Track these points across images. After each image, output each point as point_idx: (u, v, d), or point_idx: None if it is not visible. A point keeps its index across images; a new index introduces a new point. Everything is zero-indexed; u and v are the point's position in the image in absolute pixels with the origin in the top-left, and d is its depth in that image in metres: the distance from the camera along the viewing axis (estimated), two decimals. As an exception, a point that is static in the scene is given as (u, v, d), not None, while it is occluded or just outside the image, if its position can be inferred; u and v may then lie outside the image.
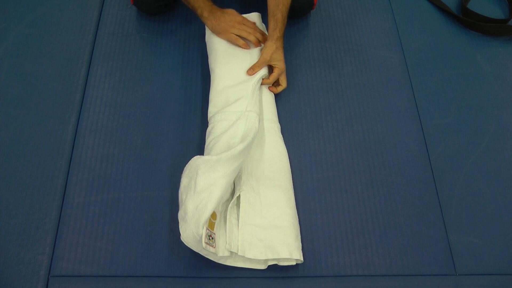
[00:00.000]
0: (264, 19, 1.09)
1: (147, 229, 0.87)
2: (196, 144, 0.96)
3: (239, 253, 0.79)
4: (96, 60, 1.08)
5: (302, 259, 0.82)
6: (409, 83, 1.13)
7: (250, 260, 0.82)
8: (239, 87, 0.95)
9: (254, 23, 1.05)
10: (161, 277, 0.83)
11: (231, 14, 1.02)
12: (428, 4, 1.31)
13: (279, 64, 1.00)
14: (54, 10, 1.16)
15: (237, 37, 1.00)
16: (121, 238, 0.86)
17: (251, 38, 1.01)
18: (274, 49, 0.99)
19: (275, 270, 0.83)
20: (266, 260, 0.82)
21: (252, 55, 1.00)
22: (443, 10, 1.29)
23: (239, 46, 1.00)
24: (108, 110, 1.01)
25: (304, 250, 0.87)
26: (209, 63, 1.03)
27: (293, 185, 0.93)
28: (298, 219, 0.88)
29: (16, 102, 1.00)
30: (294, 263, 0.82)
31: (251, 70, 0.97)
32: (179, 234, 0.87)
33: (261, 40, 1.02)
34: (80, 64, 1.07)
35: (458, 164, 1.02)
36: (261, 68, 0.98)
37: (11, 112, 0.99)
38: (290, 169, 0.93)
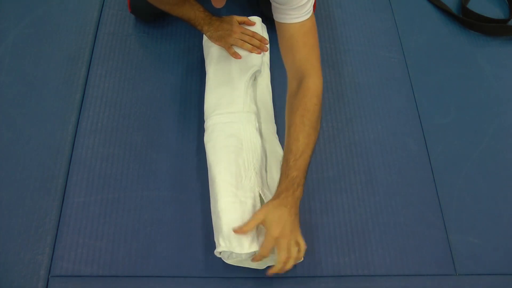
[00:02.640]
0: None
1: (147, 229, 0.87)
2: (196, 144, 0.96)
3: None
4: (96, 60, 1.08)
5: (302, 257, 0.82)
6: (409, 83, 1.13)
7: (249, 260, 0.82)
8: (232, 85, 0.96)
9: (253, 30, 1.05)
10: (161, 277, 0.83)
11: (228, 22, 1.02)
12: (428, 4, 1.31)
13: (272, 229, 0.73)
14: (54, 10, 1.16)
15: (231, 46, 1.01)
16: (121, 238, 0.86)
17: (246, 47, 1.01)
18: (270, 208, 0.74)
19: (275, 270, 0.83)
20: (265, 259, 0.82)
21: (245, 57, 1.01)
22: (443, 10, 1.29)
23: (231, 55, 1.00)
24: (108, 110, 1.01)
25: (304, 250, 0.87)
26: (205, 65, 1.04)
27: (293, 185, 0.93)
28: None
29: (16, 102, 1.00)
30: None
31: (239, 230, 0.76)
32: (179, 234, 0.87)
33: (259, 46, 1.02)
34: (80, 64, 1.07)
35: (458, 164, 1.02)
36: (250, 229, 0.76)
37: (11, 112, 0.99)
38: None
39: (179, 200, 0.90)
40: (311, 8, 0.83)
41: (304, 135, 0.77)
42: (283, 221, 0.73)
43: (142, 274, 0.83)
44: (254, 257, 0.76)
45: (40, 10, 1.15)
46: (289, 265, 0.75)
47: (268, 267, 0.83)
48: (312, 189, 0.95)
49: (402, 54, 1.18)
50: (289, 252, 0.73)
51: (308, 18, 0.82)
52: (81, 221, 0.87)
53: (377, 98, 1.09)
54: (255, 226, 0.76)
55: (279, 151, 0.94)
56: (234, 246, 0.77)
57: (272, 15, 0.87)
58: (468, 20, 1.25)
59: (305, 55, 0.83)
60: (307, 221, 0.90)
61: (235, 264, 0.82)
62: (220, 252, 0.80)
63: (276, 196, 0.76)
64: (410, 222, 0.93)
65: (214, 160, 0.87)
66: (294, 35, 0.83)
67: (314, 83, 0.81)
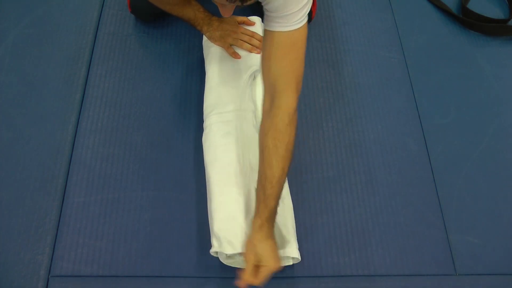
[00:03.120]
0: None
1: (147, 229, 0.87)
2: (196, 144, 0.96)
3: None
4: (96, 60, 1.08)
5: (299, 258, 0.82)
6: (409, 83, 1.13)
7: None
8: (231, 84, 0.96)
9: (253, 29, 1.05)
10: (161, 277, 0.83)
11: (228, 22, 1.02)
12: (428, 4, 1.31)
13: (270, 263, 0.72)
14: (54, 10, 1.16)
15: (230, 46, 1.01)
16: (121, 238, 0.86)
17: (245, 47, 1.01)
18: (258, 245, 0.73)
19: (275, 270, 0.83)
20: None
21: (245, 57, 1.01)
22: (443, 10, 1.29)
23: (230, 55, 1.00)
24: (108, 110, 1.01)
25: (304, 250, 0.87)
26: (205, 65, 1.04)
27: (294, 185, 0.93)
28: (294, 220, 0.87)
29: (16, 102, 1.00)
30: (291, 263, 0.82)
31: (242, 283, 0.73)
32: (179, 234, 0.87)
33: (258, 46, 1.02)
34: (80, 64, 1.07)
35: (458, 164, 1.02)
36: (249, 280, 0.73)
37: (11, 112, 0.99)
38: None
39: (179, 200, 0.90)
40: (304, 19, 0.74)
41: (278, 159, 0.73)
42: (275, 253, 0.74)
43: (142, 274, 0.83)
44: (239, 284, 0.73)
45: (40, 10, 1.15)
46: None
47: None
48: (312, 189, 0.95)
49: (402, 54, 1.18)
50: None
51: (296, 29, 0.74)
52: (81, 221, 0.87)
53: (377, 98, 1.09)
54: (253, 270, 0.73)
55: None
56: (225, 246, 0.77)
57: None
58: (468, 20, 1.25)
59: (282, 69, 0.75)
60: (307, 221, 0.90)
61: (233, 266, 0.82)
62: (217, 252, 0.80)
63: (259, 228, 0.73)
64: (410, 222, 0.93)
65: (210, 159, 0.88)
66: (275, 44, 0.75)
67: (286, 101, 0.75)
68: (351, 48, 1.17)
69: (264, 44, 0.78)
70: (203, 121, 0.96)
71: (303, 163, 0.97)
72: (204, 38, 1.06)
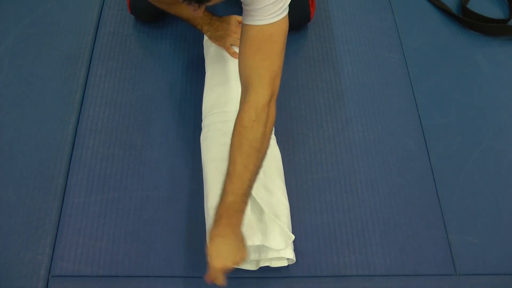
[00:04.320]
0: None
1: (147, 229, 0.87)
2: (196, 144, 0.96)
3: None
4: (96, 60, 1.08)
5: (294, 259, 0.82)
6: (409, 83, 1.13)
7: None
8: (230, 84, 0.96)
9: None
10: (161, 277, 0.83)
11: (228, 22, 1.02)
12: (428, 4, 1.31)
13: (213, 263, 0.69)
14: (54, 10, 1.16)
15: (230, 46, 1.01)
16: (121, 238, 0.86)
17: None
18: (209, 241, 0.71)
19: (275, 270, 0.83)
20: (258, 261, 0.82)
21: None
22: (443, 10, 1.29)
23: (230, 55, 1.00)
24: (108, 110, 1.01)
25: (304, 250, 0.87)
26: (205, 65, 1.04)
27: (294, 185, 0.93)
28: (291, 220, 0.87)
29: (16, 102, 1.00)
30: (286, 264, 0.82)
31: (207, 278, 0.72)
32: (179, 234, 0.87)
33: None
34: (80, 64, 1.07)
35: (458, 164, 1.02)
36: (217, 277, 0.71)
37: (11, 112, 0.99)
38: (283, 172, 0.93)
39: (179, 200, 0.90)
40: (281, 12, 0.71)
41: (242, 156, 0.70)
42: (220, 252, 0.69)
43: (142, 274, 0.83)
44: (206, 277, 0.72)
45: (40, 10, 1.15)
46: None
47: (268, 267, 0.83)
48: (312, 189, 0.95)
49: (402, 54, 1.18)
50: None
51: (271, 23, 0.70)
52: (81, 221, 0.87)
53: (377, 98, 1.09)
54: (216, 272, 0.70)
55: (276, 151, 0.94)
56: None
57: None
58: (468, 20, 1.25)
59: (254, 64, 0.72)
60: (307, 221, 0.90)
61: None
62: None
63: (214, 224, 0.71)
64: (410, 222, 0.93)
65: (208, 159, 0.88)
66: (248, 39, 0.72)
67: (255, 97, 0.71)
68: (351, 48, 1.17)
69: (240, 38, 0.75)
70: (201, 121, 0.96)
71: (303, 163, 0.97)
72: (205, 37, 1.06)
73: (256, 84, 0.72)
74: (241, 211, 0.71)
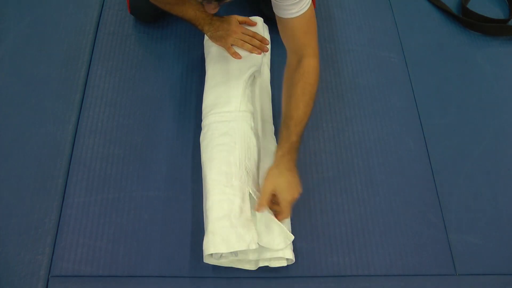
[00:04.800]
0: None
1: (147, 229, 0.87)
2: (196, 144, 0.96)
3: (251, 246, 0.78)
4: (96, 60, 1.08)
5: (293, 259, 0.82)
6: (409, 83, 1.13)
7: (240, 261, 0.82)
8: (230, 84, 0.96)
9: (254, 30, 1.05)
10: (161, 277, 0.83)
11: (229, 22, 1.02)
12: (428, 4, 1.31)
13: (285, 195, 0.79)
14: (54, 10, 1.16)
15: (231, 46, 1.01)
16: (121, 238, 0.86)
17: (246, 47, 1.01)
18: (277, 175, 0.79)
19: (274, 270, 0.83)
20: (257, 261, 0.82)
21: (245, 57, 1.00)
22: (443, 10, 1.29)
23: (231, 55, 1.00)
24: (108, 110, 1.01)
25: (304, 250, 0.87)
26: (205, 64, 1.04)
27: (293, 185, 0.93)
28: (291, 221, 0.87)
29: (16, 102, 1.00)
30: (285, 264, 0.82)
31: (258, 207, 0.80)
32: (179, 234, 0.87)
33: (259, 47, 1.02)
34: (80, 64, 1.07)
35: (458, 164, 1.02)
36: (265, 205, 0.79)
37: (11, 112, 0.99)
38: None
39: (179, 200, 0.90)
40: (309, 1, 0.84)
41: (304, 104, 0.83)
42: (292, 185, 0.80)
43: (142, 274, 0.83)
44: (257, 208, 0.80)
45: (40, 10, 1.15)
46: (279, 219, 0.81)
47: (268, 267, 0.83)
48: (312, 189, 0.95)
49: (402, 54, 1.18)
50: (288, 211, 0.81)
51: (306, 11, 0.84)
52: (81, 221, 0.87)
53: (377, 98, 1.09)
54: (269, 197, 0.79)
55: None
56: (218, 245, 0.77)
57: (273, 15, 0.88)
58: (468, 20, 1.25)
59: (306, 41, 0.87)
60: (307, 221, 0.90)
61: (227, 265, 0.82)
62: (212, 255, 0.80)
63: (279, 160, 0.81)
64: (410, 222, 0.93)
65: (207, 158, 0.88)
66: (294, 28, 0.86)
67: (314, 62, 0.87)
68: (351, 48, 1.17)
69: (281, 28, 0.89)
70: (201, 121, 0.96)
71: (303, 163, 0.97)
72: (205, 37, 1.06)
73: (312, 55, 0.87)
74: (298, 150, 0.84)
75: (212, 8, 0.80)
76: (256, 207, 0.81)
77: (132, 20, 1.15)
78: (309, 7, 0.85)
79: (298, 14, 0.84)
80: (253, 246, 0.77)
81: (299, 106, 0.83)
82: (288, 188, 0.79)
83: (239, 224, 0.79)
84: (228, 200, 0.81)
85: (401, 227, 0.92)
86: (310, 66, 0.86)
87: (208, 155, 0.88)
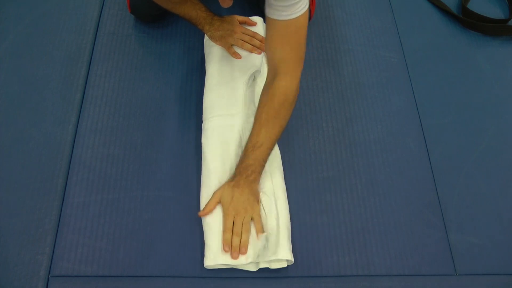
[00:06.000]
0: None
1: (147, 229, 0.87)
2: (196, 144, 0.96)
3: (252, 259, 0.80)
4: (96, 60, 1.08)
5: (293, 259, 0.82)
6: (409, 83, 1.13)
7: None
8: (231, 84, 0.96)
9: (254, 30, 1.05)
10: (161, 277, 0.83)
11: (229, 22, 1.02)
12: (428, 4, 1.31)
13: (226, 207, 0.81)
14: (54, 10, 1.16)
15: (231, 46, 1.01)
16: (121, 238, 0.86)
17: (246, 47, 1.01)
18: (225, 188, 0.81)
19: (274, 271, 0.83)
20: (257, 263, 0.82)
21: (245, 57, 1.01)
22: (443, 10, 1.29)
23: (231, 55, 1.00)
24: (108, 110, 1.01)
25: (304, 250, 0.87)
26: (205, 65, 1.04)
27: (294, 185, 0.93)
28: (290, 221, 0.87)
29: (16, 102, 1.00)
30: (285, 265, 0.82)
31: (201, 212, 0.83)
32: (179, 234, 0.87)
33: (259, 47, 1.02)
34: (80, 64, 1.07)
35: (458, 164, 1.02)
36: (211, 209, 0.82)
37: (11, 112, 0.99)
38: (283, 171, 0.93)
39: (179, 200, 0.90)
40: (305, 5, 0.80)
41: (266, 130, 0.82)
42: (235, 200, 0.80)
43: (142, 274, 0.83)
44: (200, 213, 0.82)
45: (40, 10, 1.15)
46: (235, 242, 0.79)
47: (261, 269, 0.83)
48: (312, 189, 0.95)
49: (402, 54, 1.18)
50: (236, 227, 0.79)
51: (296, 17, 0.79)
52: (81, 221, 0.87)
53: (377, 98, 1.09)
54: (215, 205, 0.81)
55: (276, 151, 0.94)
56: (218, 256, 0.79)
57: None
58: (468, 20, 1.25)
59: (284, 55, 0.83)
60: (307, 221, 0.90)
61: (226, 267, 0.82)
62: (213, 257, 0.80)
63: (231, 179, 0.83)
64: (410, 222, 0.93)
65: (211, 167, 0.88)
66: (277, 33, 0.82)
67: (285, 84, 0.83)
68: (351, 48, 1.17)
69: (268, 30, 0.84)
70: (202, 121, 0.96)
71: (303, 163, 0.97)
72: (206, 37, 1.06)
73: (287, 73, 0.83)
74: (258, 172, 0.82)
75: (228, 1, 0.76)
76: (199, 212, 0.83)
77: (132, 20, 1.15)
78: (300, 16, 0.79)
79: (285, 18, 0.79)
80: (250, 260, 0.80)
81: (261, 132, 0.82)
82: (231, 202, 0.80)
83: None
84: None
85: (401, 227, 0.92)
86: (280, 87, 0.83)
87: (213, 164, 0.88)
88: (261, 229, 0.81)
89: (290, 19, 0.79)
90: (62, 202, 0.89)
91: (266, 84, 0.87)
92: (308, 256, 0.87)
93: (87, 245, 0.85)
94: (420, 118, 1.08)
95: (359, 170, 0.98)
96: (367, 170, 0.98)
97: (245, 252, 0.79)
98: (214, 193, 0.83)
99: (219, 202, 0.82)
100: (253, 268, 0.83)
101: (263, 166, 0.83)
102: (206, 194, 0.85)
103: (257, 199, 0.83)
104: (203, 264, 0.81)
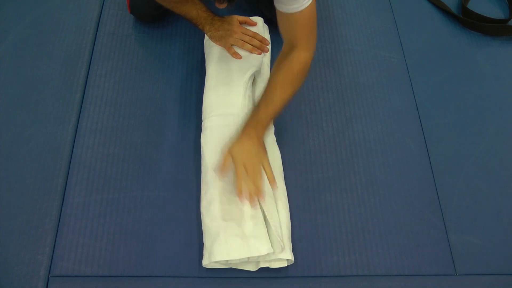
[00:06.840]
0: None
1: (147, 229, 0.87)
2: (196, 144, 0.96)
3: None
4: (96, 60, 1.08)
5: (293, 259, 0.82)
6: (409, 83, 1.13)
7: (240, 262, 0.82)
8: (231, 84, 0.96)
9: (254, 30, 1.05)
10: (161, 277, 0.83)
11: (230, 22, 1.02)
12: (428, 4, 1.31)
13: (238, 157, 0.79)
14: (54, 10, 1.16)
15: (231, 46, 1.01)
16: (121, 238, 0.86)
17: (246, 47, 1.01)
18: (235, 141, 0.81)
19: (275, 270, 0.83)
20: (257, 262, 0.82)
21: (246, 57, 1.01)
22: (443, 10, 1.29)
23: (231, 55, 1.00)
24: (108, 110, 1.01)
25: (304, 250, 0.87)
26: (205, 65, 1.04)
27: (294, 185, 0.93)
28: (290, 221, 0.87)
29: (16, 102, 1.01)
30: (285, 264, 0.82)
31: (218, 172, 0.82)
32: (179, 234, 0.87)
33: (259, 47, 1.02)
34: (80, 64, 1.07)
35: (458, 164, 1.02)
36: (227, 167, 0.81)
37: (11, 112, 0.99)
38: (283, 172, 0.93)
39: (179, 200, 0.91)
40: None
41: (282, 89, 0.84)
42: (247, 149, 0.80)
43: (142, 274, 0.83)
44: (218, 171, 0.81)
45: (40, 10, 1.15)
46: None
47: (261, 268, 0.83)
48: (312, 189, 0.95)
49: (402, 54, 1.18)
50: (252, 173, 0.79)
51: (307, 6, 0.83)
52: (81, 221, 0.87)
53: (377, 98, 1.09)
54: (228, 162, 0.80)
55: (276, 152, 0.94)
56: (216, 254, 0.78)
57: (272, 15, 0.88)
58: (468, 20, 1.25)
59: (302, 35, 0.87)
60: (307, 221, 0.90)
61: (225, 266, 0.82)
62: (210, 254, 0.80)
63: (241, 131, 0.82)
64: (410, 222, 0.93)
65: (210, 165, 0.87)
66: (292, 22, 0.86)
67: (305, 55, 0.87)
68: (351, 48, 1.17)
69: (280, 21, 0.87)
70: (201, 121, 0.96)
71: (303, 163, 0.97)
72: (206, 37, 1.06)
73: (303, 49, 0.87)
74: (267, 128, 0.85)
75: (222, 5, 0.78)
76: (217, 172, 0.82)
77: (132, 20, 1.15)
78: (310, 3, 0.83)
79: (298, 10, 0.83)
80: (264, 252, 0.78)
81: (276, 88, 0.84)
82: (242, 151, 0.80)
83: (240, 230, 0.79)
84: (236, 208, 0.81)
85: (401, 227, 0.92)
86: (299, 57, 0.87)
87: (211, 161, 0.87)
88: (272, 178, 0.82)
89: (303, 9, 0.82)
90: (62, 202, 0.89)
91: (283, 54, 0.89)
92: (308, 256, 0.87)
93: (87, 245, 0.85)
94: (420, 118, 1.08)
95: (359, 170, 0.98)
96: (367, 170, 0.98)
97: (261, 197, 0.79)
98: (224, 150, 0.81)
99: (230, 155, 0.81)
100: (253, 267, 0.83)
101: (270, 123, 0.86)
102: (206, 192, 0.85)
103: (265, 151, 0.84)
104: (203, 265, 0.81)
